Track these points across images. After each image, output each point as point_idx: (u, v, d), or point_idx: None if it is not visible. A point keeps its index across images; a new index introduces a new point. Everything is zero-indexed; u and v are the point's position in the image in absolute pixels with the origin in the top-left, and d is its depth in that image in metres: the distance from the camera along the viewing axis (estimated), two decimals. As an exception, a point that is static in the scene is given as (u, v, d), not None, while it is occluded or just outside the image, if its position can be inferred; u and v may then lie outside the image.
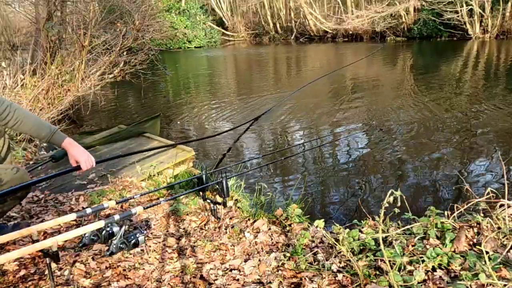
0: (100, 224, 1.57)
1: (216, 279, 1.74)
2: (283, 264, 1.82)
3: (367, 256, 1.73)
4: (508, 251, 1.57)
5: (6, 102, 1.67)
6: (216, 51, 20.02)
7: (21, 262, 1.80)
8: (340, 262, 1.75)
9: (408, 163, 4.02)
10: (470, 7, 16.13)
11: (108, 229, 1.58)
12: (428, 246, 1.70)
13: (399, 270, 1.58)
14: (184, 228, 2.24)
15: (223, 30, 24.87)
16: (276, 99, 7.21)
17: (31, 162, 3.59)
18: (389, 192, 1.59)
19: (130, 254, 1.91)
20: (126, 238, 1.62)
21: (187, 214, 2.40)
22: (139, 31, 7.92)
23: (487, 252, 1.46)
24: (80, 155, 1.81)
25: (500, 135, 4.64)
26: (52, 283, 1.46)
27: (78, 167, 1.81)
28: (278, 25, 24.01)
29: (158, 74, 9.09)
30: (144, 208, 1.84)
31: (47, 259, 1.44)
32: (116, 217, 1.62)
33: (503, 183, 3.15)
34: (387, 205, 1.60)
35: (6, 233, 1.44)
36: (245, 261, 1.88)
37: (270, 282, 1.69)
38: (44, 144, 4.48)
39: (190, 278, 1.75)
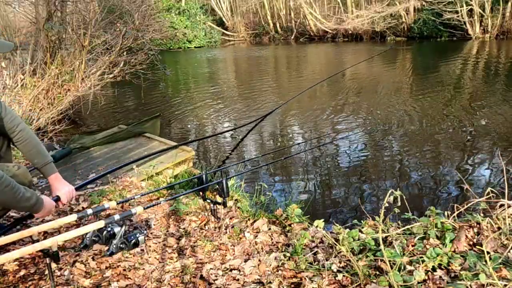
0: (100, 224, 1.57)
1: (216, 279, 1.74)
2: (283, 264, 1.82)
3: (367, 256, 1.73)
4: (509, 251, 1.57)
5: (17, 120, 1.80)
6: (216, 51, 20.00)
7: (21, 262, 1.80)
8: (340, 262, 1.75)
9: (408, 163, 4.02)
10: (470, 7, 16.13)
11: (109, 229, 1.58)
12: (428, 246, 1.70)
13: (399, 270, 1.58)
14: (184, 228, 2.24)
15: (223, 30, 24.85)
16: (276, 100, 7.21)
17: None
18: (389, 192, 1.59)
19: (130, 254, 1.91)
20: (126, 238, 1.61)
21: (187, 214, 2.39)
22: (139, 31, 7.92)
23: (487, 252, 1.46)
24: (61, 188, 1.87)
25: (500, 135, 4.63)
26: (52, 283, 1.47)
27: (58, 198, 1.86)
28: (278, 25, 24.00)
29: (158, 74, 9.08)
30: (144, 208, 1.84)
31: (47, 259, 1.44)
32: (116, 217, 1.62)
33: (503, 183, 3.15)
34: (387, 205, 1.61)
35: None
36: (245, 261, 1.88)
37: (270, 282, 1.69)
38: (45, 144, 4.48)
39: (190, 278, 1.75)
